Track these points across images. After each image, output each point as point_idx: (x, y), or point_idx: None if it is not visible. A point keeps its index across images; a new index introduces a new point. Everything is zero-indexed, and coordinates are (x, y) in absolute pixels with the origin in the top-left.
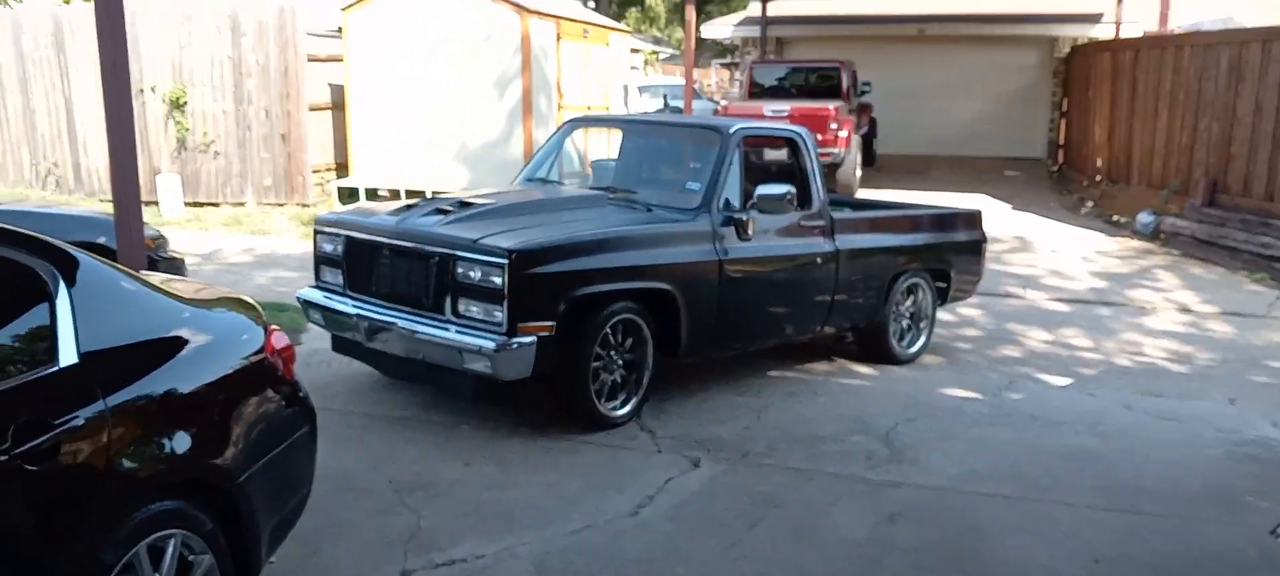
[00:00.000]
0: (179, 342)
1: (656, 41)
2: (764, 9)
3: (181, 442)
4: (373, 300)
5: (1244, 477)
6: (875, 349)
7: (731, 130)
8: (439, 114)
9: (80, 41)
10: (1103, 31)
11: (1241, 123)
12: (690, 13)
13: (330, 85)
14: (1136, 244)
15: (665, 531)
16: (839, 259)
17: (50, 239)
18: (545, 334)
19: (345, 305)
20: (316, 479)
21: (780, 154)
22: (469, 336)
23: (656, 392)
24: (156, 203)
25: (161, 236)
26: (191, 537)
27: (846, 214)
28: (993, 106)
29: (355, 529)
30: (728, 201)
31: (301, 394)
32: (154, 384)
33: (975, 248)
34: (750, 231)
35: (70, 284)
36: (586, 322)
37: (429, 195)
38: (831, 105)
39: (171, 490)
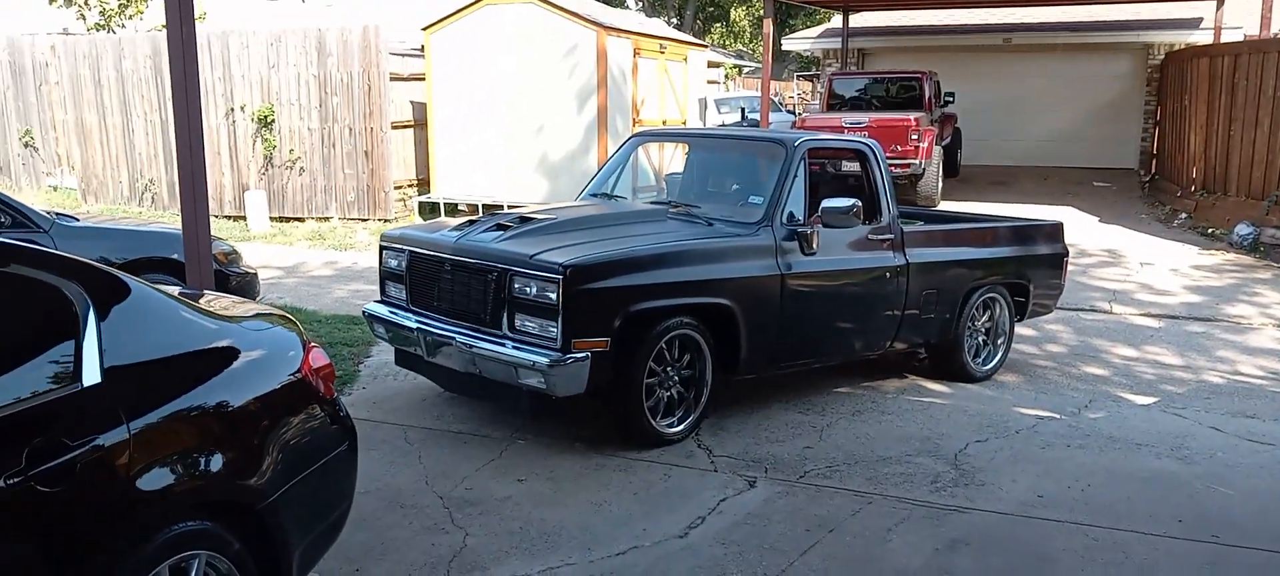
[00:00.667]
0: (212, 361)
1: (739, 56)
2: (846, 21)
3: (210, 462)
4: (434, 315)
5: None
6: (949, 366)
7: (796, 143)
8: (517, 131)
9: None
10: (1200, 37)
11: None
12: (768, 26)
13: (412, 103)
14: (1233, 257)
15: (714, 555)
16: (909, 273)
17: (81, 259)
18: (600, 350)
19: (407, 320)
20: (368, 494)
21: (850, 167)
22: (524, 352)
23: (716, 409)
24: (244, 217)
25: (235, 251)
26: (217, 558)
27: (918, 227)
28: (1082, 116)
29: (401, 547)
30: (791, 215)
31: (341, 412)
32: (182, 403)
33: (1056, 261)
34: (814, 245)
35: (99, 303)
36: (640, 337)
37: (507, 209)
38: (912, 116)
39: (198, 510)
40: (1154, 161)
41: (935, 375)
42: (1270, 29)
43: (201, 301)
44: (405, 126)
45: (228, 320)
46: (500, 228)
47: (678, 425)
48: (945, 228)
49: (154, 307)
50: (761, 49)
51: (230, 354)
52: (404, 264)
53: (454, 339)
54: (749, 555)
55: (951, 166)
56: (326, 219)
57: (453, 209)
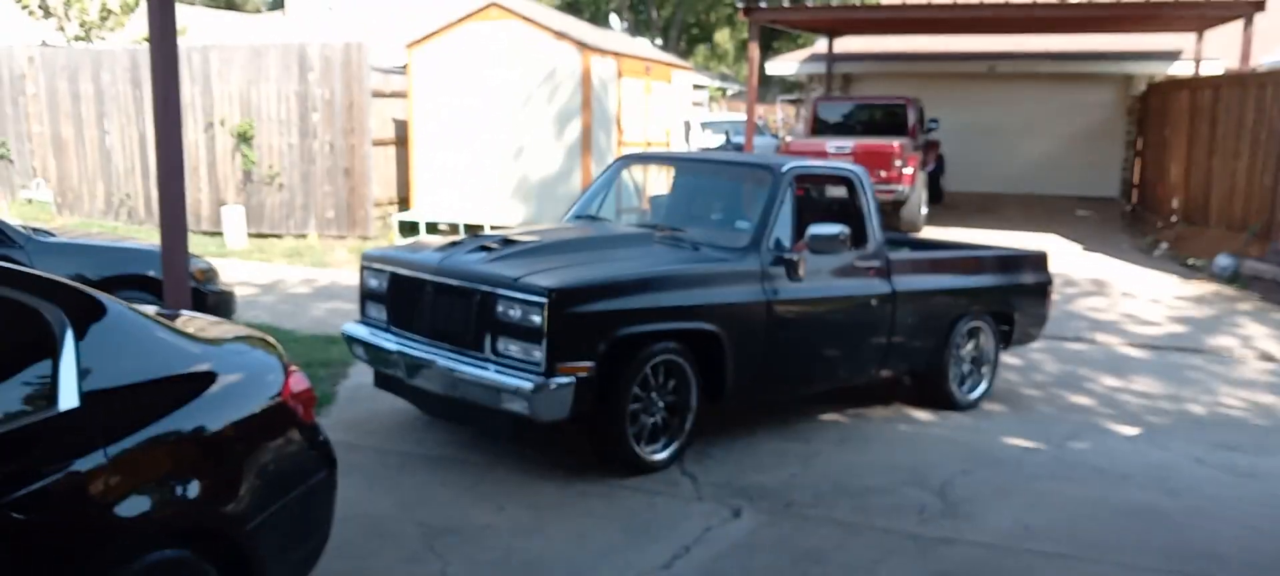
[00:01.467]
0: (191, 385)
1: (724, 78)
2: (831, 46)
3: (187, 489)
4: (415, 337)
5: None
6: (935, 394)
7: (783, 169)
8: (499, 150)
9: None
10: (1181, 68)
11: None
12: (753, 50)
13: (393, 120)
14: (1214, 288)
15: None
16: (896, 300)
17: (59, 278)
18: (584, 375)
19: (388, 341)
20: (346, 521)
21: (837, 193)
22: (507, 376)
23: (701, 436)
24: (221, 233)
25: (211, 269)
26: None
27: (905, 254)
28: (1065, 145)
29: None
30: (778, 241)
31: (321, 437)
32: (159, 428)
33: (1041, 290)
34: (801, 272)
35: (77, 325)
36: (625, 363)
37: (488, 230)
38: (896, 142)
39: (175, 537)
40: (1135, 191)
41: (921, 403)
42: (1250, 62)
43: (179, 322)
44: (387, 144)
45: (207, 342)
46: (484, 249)
47: (661, 452)
48: (932, 255)
49: (131, 329)
50: (746, 72)
51: (209, 377)
52: (385, 284)
53: (435, 361)
54: None
55: (935, 193)
56: (305, 236)
57: (433, 228)
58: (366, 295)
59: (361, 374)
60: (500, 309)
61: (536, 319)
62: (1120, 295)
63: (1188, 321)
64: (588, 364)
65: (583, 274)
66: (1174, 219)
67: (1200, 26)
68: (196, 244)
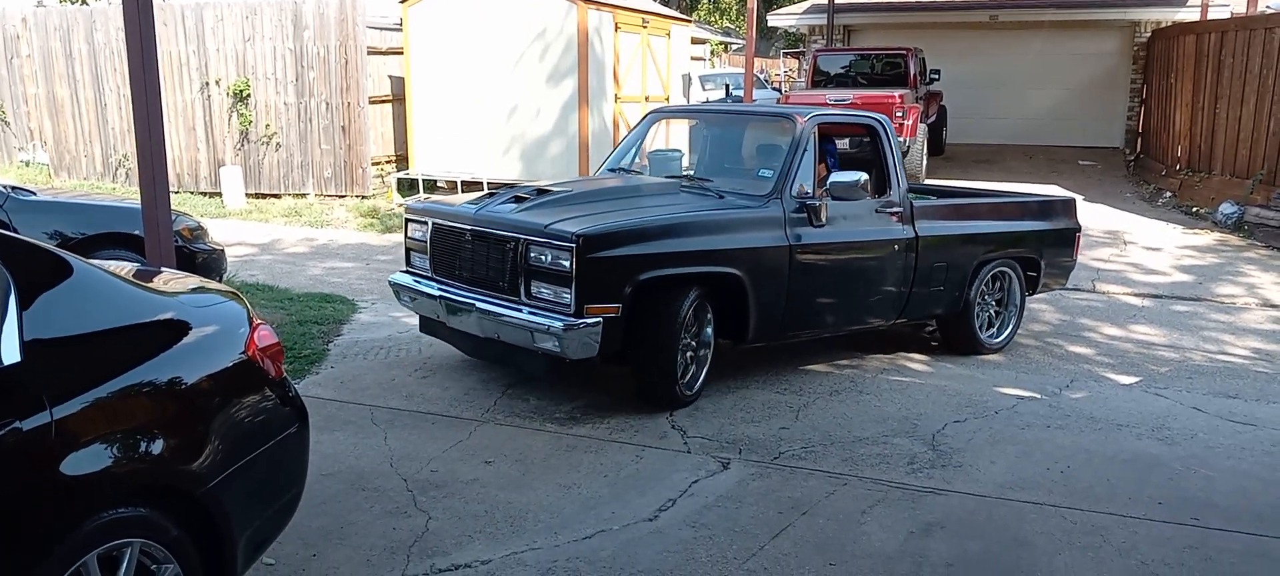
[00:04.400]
0: (151, 340)
1: (727, 33)
2: None
3: (145, 446)
4: (456, 283)
5: None
6: (959, 338)
7: (805, 118)
8: (496, 105)
9: None
10: (1188, 14)
11: None
12: (751, 1)
13: (390, 78)
14: (1218, 236)
15: (683, 539)
16: (918, 246)
17: (8, 234)
18: (611, 315)
19: (431, 288)
20: (330, 476)
21: (862, 141)
22: (540, 317)
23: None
24: (220, 194)
25: (200, 227)
26: (153, 546)
27: (931, 201)
28: (1068, 94)
29: (362, 531)
30: (801, 188)
31: (290, 392)
32: (115, 384)
33: (1068, 236)
34: (823, 217)
35: (20, 278)
36: (667, 306)
37: (486, 185)
38: (896, 93)
39: (132, 496)
40: (1139, 140)
41: (946, 348)
42: (1258, 5)
43: (149, 277)
44: (383, 101)
45: (171, 296)
46: (518, 200)
47: (693, 385)
48: (955, 202)
49: (94, 287)
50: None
51: (171, 332)
52: (427, 234)
53: (474, 305)
54: (719, 538)
55: (937, 144)
56: (303, 195)
57: (431, 185)
58: (410, 246)
59: (357, 331)
60: (532, 254)
61: (566, 263)
62: (1123, 244)
63: (1190, 270)
64: (615, 305)
65: (608, 221)
66: (1178, 167)
67: None
68: (196, 204)
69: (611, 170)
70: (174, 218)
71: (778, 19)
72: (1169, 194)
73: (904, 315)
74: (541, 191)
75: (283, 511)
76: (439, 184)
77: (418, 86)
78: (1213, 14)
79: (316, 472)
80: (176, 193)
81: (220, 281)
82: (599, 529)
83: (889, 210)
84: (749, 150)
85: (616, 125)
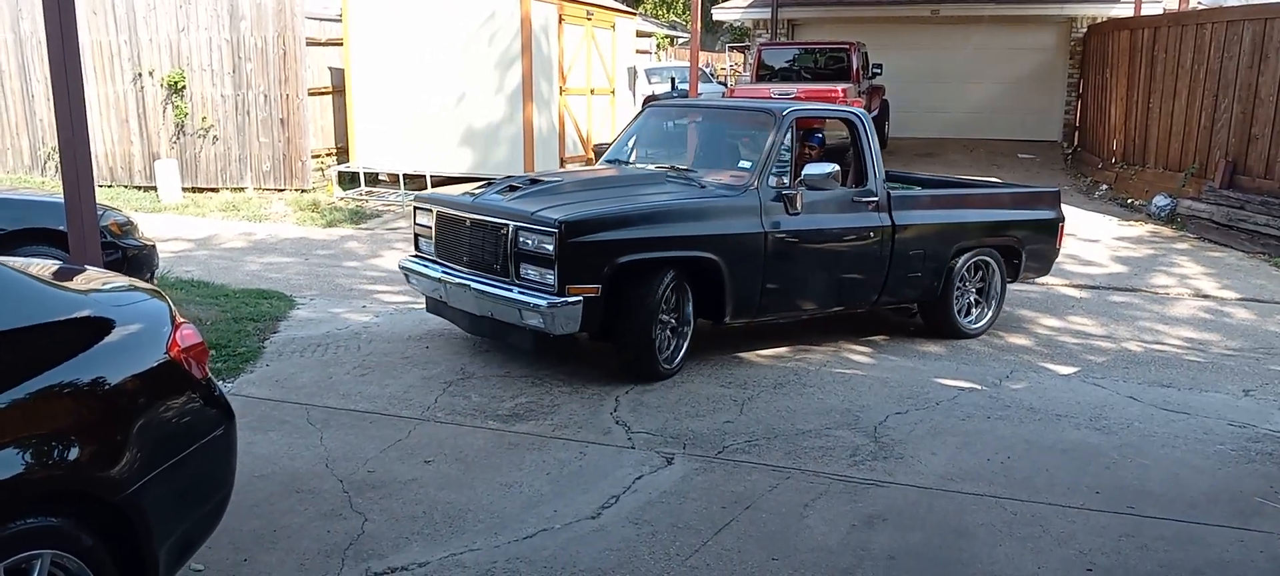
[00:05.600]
0: (63, 341)
1: (672, 26)
2: None
3: (56, 452)
4: (456, 266)
5: (1257, 478)
6: (938, 323)
7: (784, 112)
8: (440, 97)
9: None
10: (1122, 10)
11: (1264, 102)
12: None
13: (330, 69)
14: (1153, 228)
15: (625, 537)
16: (894, 234)
17: None
18: (592, 295)
19: (433, 270)
20: (263, 478)
21: (841, 133)
22: (527, 296)
23: (636, 384)
24: (155, 188)
25: (129, 222)
26: (65, 557)
27: (907, 191)
28: (1007, 88)
29: (295, 533)
30: (779, 178)
31: (216, 392)
32: (22, 388)
33: (1050, 226)
34: (799, 206)
35: None
36: (646, 286)
37: (428, 179)
38: (840, 87)
39: (41, 505)
40: (1076, 134)
41: (928, 332)
42: (1189, 2)
43: (74, 278)
44: (323, 93)
45: (86, 295)
46: (512, 189)
47: (673, 359)
48: (932, 193)
49: None
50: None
51: (88, 332)
52: (432, 221)
53: (470, 285)
54: (662, 535)
55: (880, 138)
56: (241, 189)
57: (373, 178)
58: (418, 232)
59: (290, 329)
60: (521, 239)
61: (549, 247)
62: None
63: (1126, 261)
64: (595, 286)
65: (589, 209)
66: (1114, 160)
67: None
68: (130, 199)
69: (609, 161)
70: (102, 212)
71: (723, 13)
72: (1105, 186)
73: (881, 300)
74: (534, 181)
75: (209, 516)
76: (381, 177)
77: (358, 79)
78: (1146, 10)
79: (249, 474)
80: (109, 187)
81: (152, 278)
82: (540, 528)
83: (866, 200)
84: (733, 142)
85: (562, 119)
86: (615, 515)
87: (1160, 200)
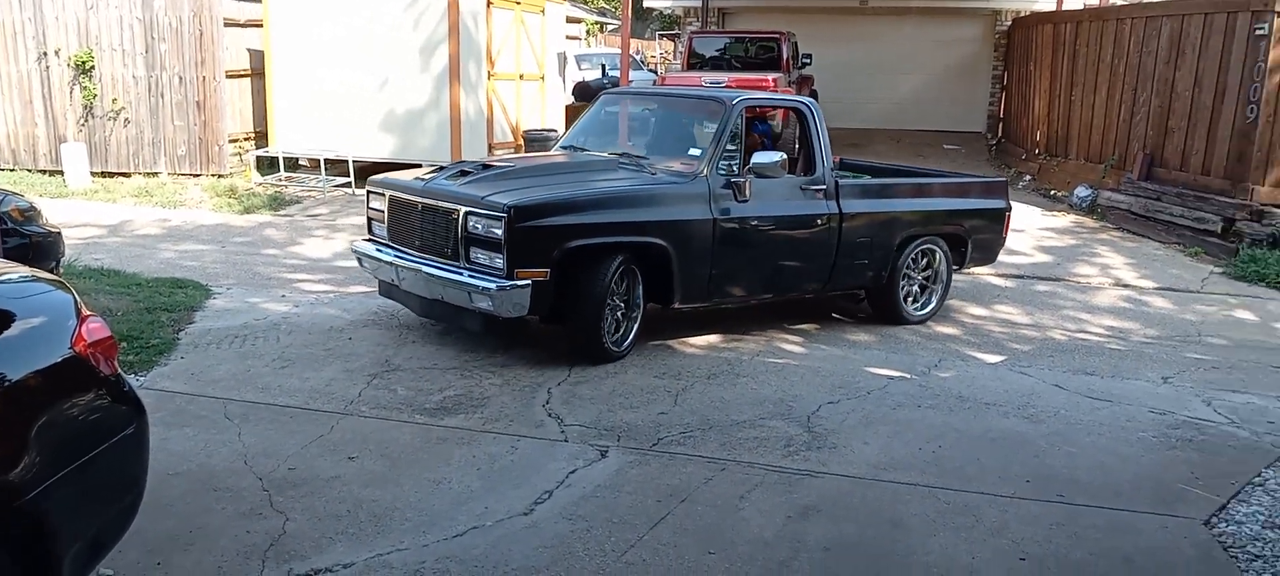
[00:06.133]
0: None
1: (602, 12)
2: None
3: None
4: (407, 250)
5: (1178, 464)
6: (884, 309)
7: (733, 101)
8: (364, 81)
9: None
10: (1045, 3)
11: (1180, 97)
12: None
13: (249, 51)
14: (1074, 218)
15: (559, 533)
16: (841, 222)
17: None
18: (540, 279)
19: (386, 254)
20: (178, 476)
21: (790, 122)
22: (477, 279)
23: (570, 375)
24: (62, 172)
25: (32, 207)
26: None
27: (857, 179)
28: (934, 80)
29: (213, 535)
30: (727, 166)
31: (126, 389)
32: None
33: (997, 215)
34: (747, 193)
35: None
36: (595, 271)
37: (351, 165)
38: (770, 77)
39: None
40: (1000, 125)
41: (876, 318)
42: None
43: None
44: (242, 76)
45: None
46: (463, 173)
47: (624, 341)
48: (881, 182)
49: None
50: (624, 7)
51: None
52: (384, 205)
53: (421, 269)
54: (597, 531)
55: None
56: (155, 174)
57: (293, 164)
58: (371, 217)
59: (206, 320)
60: (471, 223)
61: (498, 231)
62: None
63: (1050, 251)
64: (543, 270)
65: (538, 194)
66: (1038, 151)
67: None
68: (34, 183)
69: (564, 147)
70: (1, 198)
71: (653, 0)
72: (1029, 177)
73: (829, 285)
74: (486, 166)
75: (119, 518)
76: (301, 163)
77: (279, 60)
78: (1068, 3)
79: (163, 472)
80: (11, 171)
81: (57, 268)
82: (471, 525)
83: (814, 188)
84: (685, 130)
85: (490, 104)
86: (549, 510)
87: (1082, 191)
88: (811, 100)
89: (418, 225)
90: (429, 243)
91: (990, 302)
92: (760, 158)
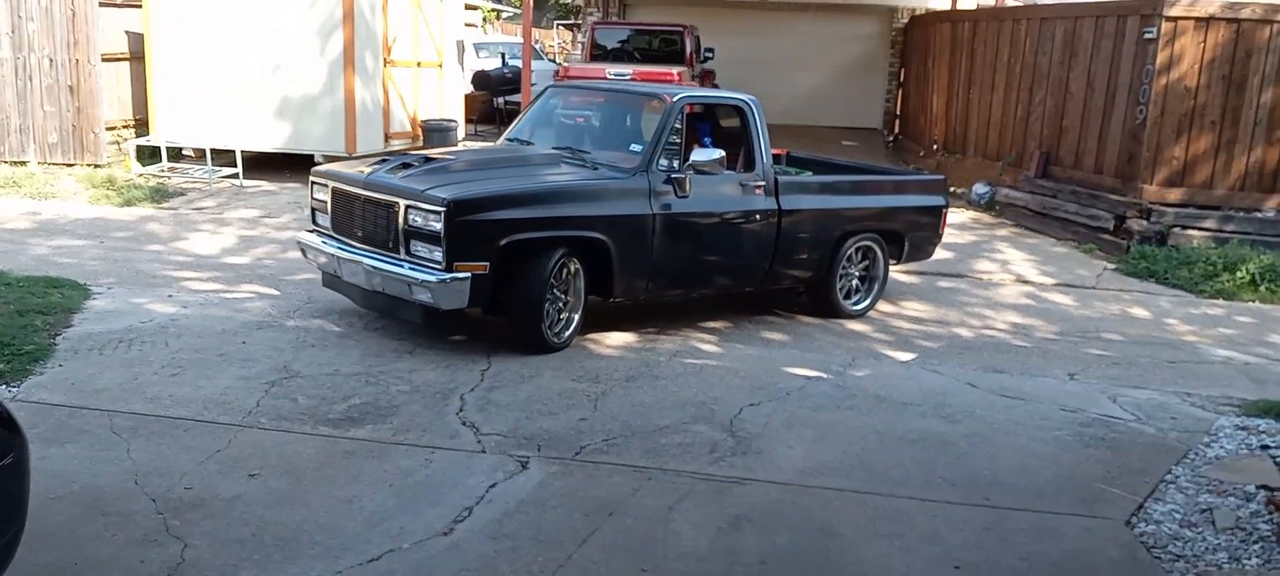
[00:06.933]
0: None
1: (498, 0)
2: None
3: None
4: (350, 242)
5: (1093, 463)
6: (822, 303)
7: (675, 98)
8: (253, 67)
9: None
10: (941, 3)
11: (1073, 96)
12: None
13: (128, 33)
14: (973, 214)
15: (484, 554)
16: (781, 218)
17: None
18: (480, 272)
19: (329, 245)
20: (60, 500)
21: (730, 121)
22: (417, 272)
23: (483, 380)
24: None
25: None
26: None
27: (796, 176)
28: (832, 76)
29: (102, 565)
30: (667, 162)
31: (3, 412)
32: None
33: (934, 211)
34: (687, 189)
35: None
36: (535, 265)
37: (239, 155)
38: (675, 70)
39: None
40: (897, 122)
41: (814, 311)
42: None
43: None
44: (120, 59)
45: None
46: (405, 166)
47: (565, 331)
48: (821, 178)
49: None
50: None
51: None
52: (328, 196)
53: (362, 261)
54: (523, 550)
55: None
56: (23, 163)
57: (176, 154)
58: (315, 207)
59: (86, 324)
60: (411, 216)
61: (437, 225)
62: None
63: (951, 247)
64: (483, 263)
65: (478, 188)
66: (936, 148)
67: None
68: None
69: (510, 140)
70: None
71: None
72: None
73: (768, 280)
74: (428, 159)
75: (3, 551)
76: (185, 152)
77: (159, 44)
78: (964, 3)
79: (44, 495)
80: None
81: None
82: (387, 548)
83: (754, 184)
84: (627, 125)
85: (386, 91)
86: (470, 530)
87: (980, 188)
88: (752, 97)
89: (360, 217)
90: (370, 234)
91: (897, 299)
92: (700, 153)
